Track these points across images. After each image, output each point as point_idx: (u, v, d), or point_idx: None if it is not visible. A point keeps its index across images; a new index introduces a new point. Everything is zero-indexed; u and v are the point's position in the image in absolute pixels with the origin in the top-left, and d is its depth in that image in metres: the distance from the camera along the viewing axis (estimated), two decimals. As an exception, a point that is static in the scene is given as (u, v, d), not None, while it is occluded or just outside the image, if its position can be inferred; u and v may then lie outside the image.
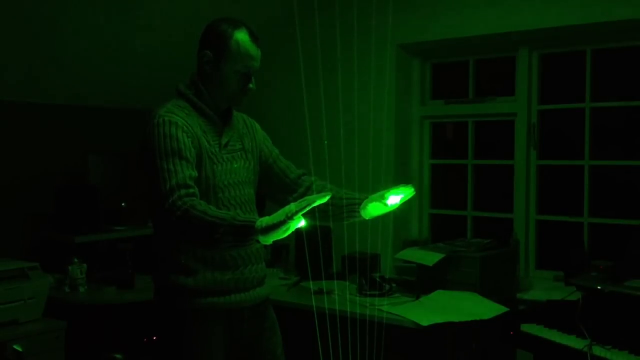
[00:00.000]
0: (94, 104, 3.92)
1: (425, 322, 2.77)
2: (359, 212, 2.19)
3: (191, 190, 1.93)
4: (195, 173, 2.00)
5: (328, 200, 1.91)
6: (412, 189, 2.12)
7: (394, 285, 3.26)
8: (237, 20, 2.12)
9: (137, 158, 2.08)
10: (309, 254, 3.30)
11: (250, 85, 2.12)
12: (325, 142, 3.23)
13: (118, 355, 3.19)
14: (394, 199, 2.11)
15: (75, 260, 3.42)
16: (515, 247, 3.44)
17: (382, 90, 3.76)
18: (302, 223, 1.78)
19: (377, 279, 3.20)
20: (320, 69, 3.33)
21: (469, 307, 2.93)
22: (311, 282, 3.31)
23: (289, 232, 1.78)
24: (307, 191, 2.27)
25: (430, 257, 3.17)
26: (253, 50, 2.09)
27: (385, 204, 2.12)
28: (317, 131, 3.56)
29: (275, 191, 2.32)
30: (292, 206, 1.76)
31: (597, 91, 3.47)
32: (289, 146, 2.70)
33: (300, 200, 1.79)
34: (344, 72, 3.53)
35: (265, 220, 1.80)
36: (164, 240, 2.08)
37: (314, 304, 2.41)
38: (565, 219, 3.58)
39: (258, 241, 1.84)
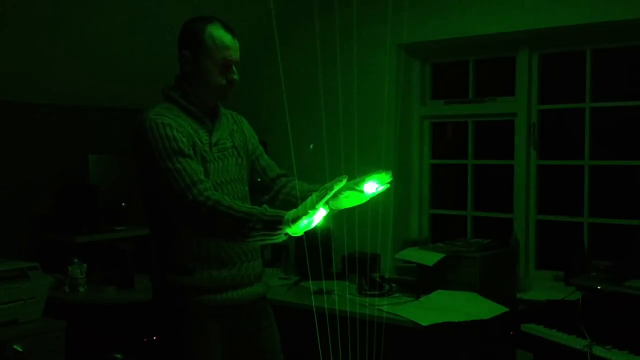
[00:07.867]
0: (93, 104, 3.91)
1: (425, 322, 2.77)
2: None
3: (207, 185, 1.93)
4: (201, 168, 2.01)
5: (303, 194, 1.92)
6: (390, 175, 1.90)
7: (394, 285, 3.26)
8: (208, 16, 2.12)
9: (132, 161, 2.07)
10: (309, 254, 3.29)
11: (234, 76, 2.11)
12: (312, 146, 3.22)
13: (118, 355, 3.19)
14: (371, 186, 1.90)
15: (75, 260, 3.42)
16: (515, 247, 3.44)
17: (382, 90, 3.75)
18: (322, 212, 1.75)
19: (377, 279, 3.20)
20: (320, 69, 3.33)
21: (469, 307, 2.93)
22: (311, 282, 3.31)
23: (314, 222, 1.75)
24: (279, 193, 2.24)
25: (430, 257, 3.17)
26: (228, 40, 2.09)
27: (362, 192, 1.91)
28: (317, 131, 3.56)
29: (253, 189, 2.27)
30: (314, 195, 1.75)
31: (597, 91, 3.47)
32: (287, 146, 2.71)
33: (320, 188, 1.77)
34: (344, 72, 3.53)
35: (292, 213, 1.78)
36: (160, 240, 2.09)
37: (313, 304, 2.41)
38: (565, 219, 3.58)
39: (287, 234, 1.79)
